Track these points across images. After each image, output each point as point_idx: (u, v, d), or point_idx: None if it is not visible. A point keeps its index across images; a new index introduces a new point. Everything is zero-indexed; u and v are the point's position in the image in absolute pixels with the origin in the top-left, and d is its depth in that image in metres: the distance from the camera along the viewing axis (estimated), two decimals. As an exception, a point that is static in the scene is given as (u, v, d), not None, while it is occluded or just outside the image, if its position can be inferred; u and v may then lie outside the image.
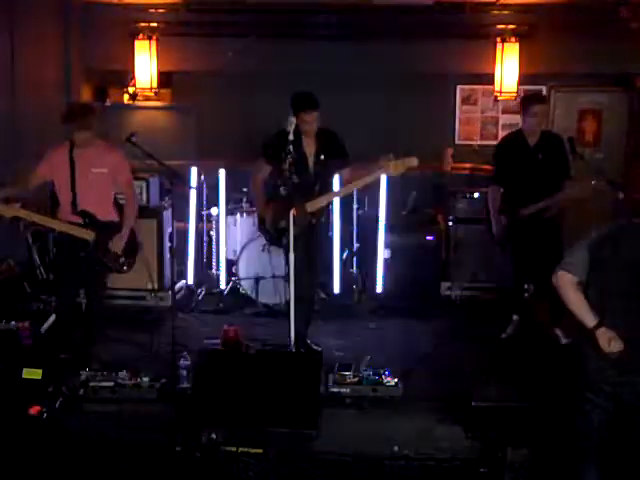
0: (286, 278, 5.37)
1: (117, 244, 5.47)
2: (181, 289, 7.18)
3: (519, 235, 5.87)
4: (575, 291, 3.65)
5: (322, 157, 5.55)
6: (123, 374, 4.97)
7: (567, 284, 3.66)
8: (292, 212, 5.07)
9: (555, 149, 5.81)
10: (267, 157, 5.51)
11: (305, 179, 5.46)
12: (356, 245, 7.34)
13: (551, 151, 5.80)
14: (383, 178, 7.22)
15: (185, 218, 7.35)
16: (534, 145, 5.83)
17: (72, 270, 5.47)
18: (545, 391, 4.45)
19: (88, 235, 5.39)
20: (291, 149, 5.17)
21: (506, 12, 8.36)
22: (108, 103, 8.32)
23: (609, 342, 3.51)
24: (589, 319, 3.59)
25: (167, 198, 6.89)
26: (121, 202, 5.62)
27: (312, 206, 5.45)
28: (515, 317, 6.22)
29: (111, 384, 4.86)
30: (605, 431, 3.65)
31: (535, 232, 5.80)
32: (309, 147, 5.54)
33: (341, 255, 7.27)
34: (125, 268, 5.60)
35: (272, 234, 5.68)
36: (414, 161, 5.21)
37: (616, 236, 3.62)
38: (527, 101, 5.91)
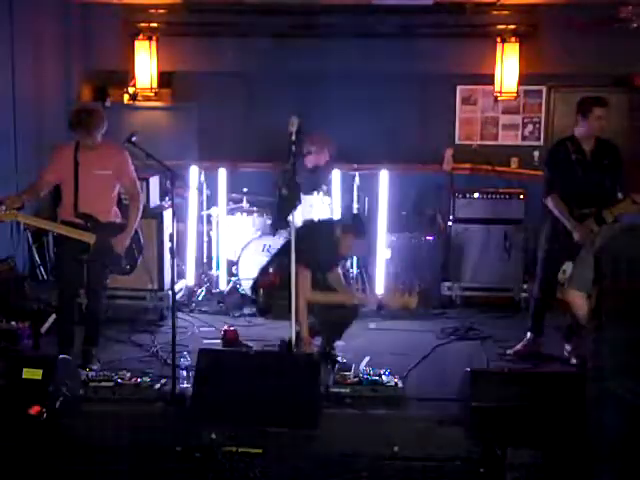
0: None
1: (120, 245, 5.46)
2: (181, 289, 7.17)
3: (564, 243, 5.38)
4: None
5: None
6: (123, 374, 4.96)
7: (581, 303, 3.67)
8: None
9: (611, 157, 5.46)
10: None
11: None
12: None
13: (607, 159, 5.45)
14: (384, 177, 7.23)
15: (185, 218, 7.35)
16: (589, 152, 5.47)
17: (72, 270, 5.46)
18: (547, 392, 4.44)
19: (89, 238, 5.37)
20: (294, 149, 5.14)
21: (506, 12, 8.36)
22: (108, 103, 8.30)
23: None
24: None
25: (167, 198, 6.88)
26: (125, 202, 5.62)
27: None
28: (530, 335, 5.81)
29: (111, 384, 4.85)
30: (621, 430, 3.54)
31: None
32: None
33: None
34: (127, 268, 5.61)
35: None
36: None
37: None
38: (588, 103, 5.47)
